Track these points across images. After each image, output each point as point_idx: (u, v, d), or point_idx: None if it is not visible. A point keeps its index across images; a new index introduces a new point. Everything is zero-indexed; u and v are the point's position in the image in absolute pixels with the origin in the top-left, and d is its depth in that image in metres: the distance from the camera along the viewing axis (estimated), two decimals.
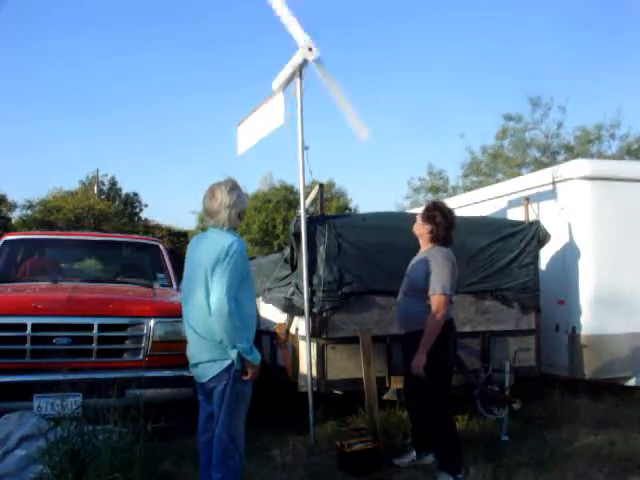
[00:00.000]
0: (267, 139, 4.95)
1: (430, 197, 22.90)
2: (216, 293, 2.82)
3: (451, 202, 7.94)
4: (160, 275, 5.83)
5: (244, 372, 2.93)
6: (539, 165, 19.84)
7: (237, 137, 5.38)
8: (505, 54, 42.30)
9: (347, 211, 24.38)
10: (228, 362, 2.90)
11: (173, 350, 4.19)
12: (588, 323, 5.49)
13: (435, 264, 3.79)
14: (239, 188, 3.09)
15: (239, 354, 2.87)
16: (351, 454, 3.97)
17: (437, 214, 3.91)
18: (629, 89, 34.90)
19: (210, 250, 2.91)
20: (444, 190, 23.07)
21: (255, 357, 2.93)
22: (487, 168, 22.47)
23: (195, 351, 3.04)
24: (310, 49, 4.43)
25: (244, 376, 2.93)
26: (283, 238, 21.06)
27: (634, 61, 34.95)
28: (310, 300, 4.59)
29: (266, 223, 23.56)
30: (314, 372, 4.60)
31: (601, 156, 20.24)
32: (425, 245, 3.98)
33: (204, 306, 2.89)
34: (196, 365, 3.05)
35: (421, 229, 3.98)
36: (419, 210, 4.25)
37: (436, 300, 3.74)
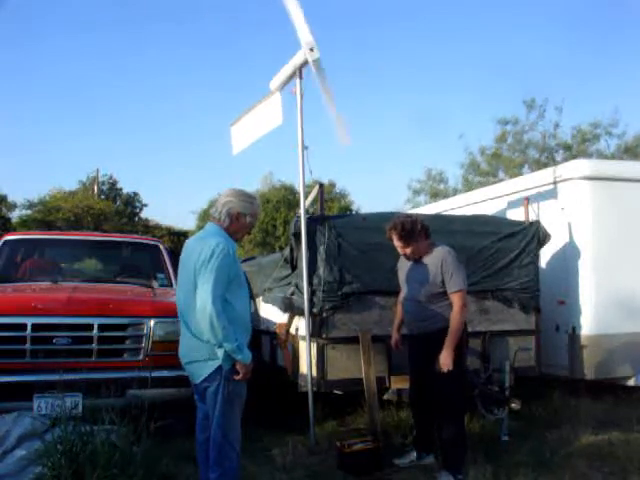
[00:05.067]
0: (266, 140, 4.97)
1: (430, 200, 22.82)
2: (201, 293, 2.86)
3: (451, 202, 7.97)
4: (160, 275, 5.83)
5: (235, 372, 2.94)
6: (538, 165, 19.82)
7: (231, 137, 5.39)
8: (503, 55, 42.35)
9: (349, 212, 24.30)
10: (219, 362, 2.92)
11: (173, 350, 4.13)
12: (588, 323, 5.49)
13: (447, 264, 3.83)
14: (242, 195, 3.16)
15: (227, 354, 2.88)
16: (351, 454, 3.96)
17: (407, 232, 3.87)
18: (626, 89, 34.92)
19: (198, 250, 2.96)
20: (444, 193, 22.98)
21: (245, 357, 2.93)
22: (488, 167, 22.41)
23: (187, 350, 3.07)
24: (312, 49, 4.43)
25: (235, 376, 2.94)
26: (284, 240, 21.03)
27: (631, 60, 34.96)
28: (310, 300, 4.58)
29: (266, 223, 23.53)
30: (314, 372, 4.59)
31: (600, 155, 20.24)
32: (422, 251, 3.97)
33: (195, 305, 2.92)
34: (188, 364, 3.07)
35: (411, 249, 3.94)
36: (418, 210, 4.25)
37: (459, 296, 3.81)
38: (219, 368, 2.93)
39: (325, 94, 4.54)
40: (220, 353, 2.89)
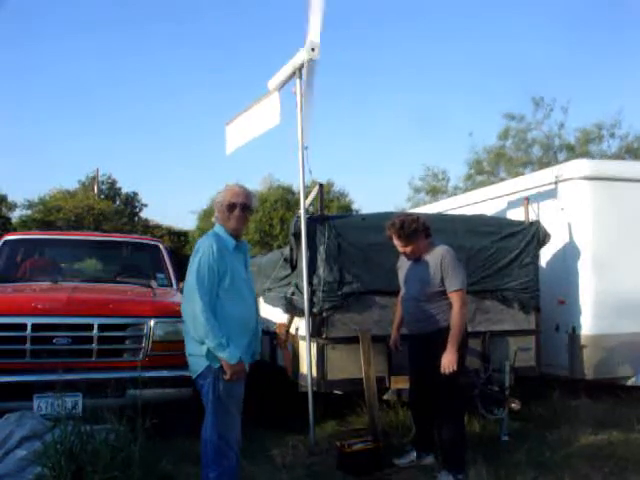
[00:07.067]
0: (264, 140, 4.97)
1: (430, 198, 22.83)
2: (185, 287, 2.98)
3: (452, 202, 7.97)
4: (160, 275, 5.83)
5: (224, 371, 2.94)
6: (541, 165, 19.82)
7: (225, 137, 5.38)
8: (508, 55, 42.33)
9: (349, 212, 24.25)
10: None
11: (173, 350, 4.18)
12: (588, 323, 5.49)
13: (447, 263, 3.83)
14: (227, 188, 3.20)
15: (210, 351, 2.90)
16: (351, 454, 3.96)
17: (407, 230, 3.86)
18: (628, 89, 34.94)
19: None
20: (444, 192, 23.01)
21: (230, 356, 2.91)
22: (490, 167, 22.42)
23: (190, 343, 3.09)
24: (313, 49, 4.42)
25: (223, 375, 2.94)
26: (282, 239, 20.97)
27: (632, 61, 34.96)
28: (310, 300, 4.58)
29: (263, 222, 23.45)
30: (314, 372, 4.59)
31: (602, 156, 20.23)
32: (422, 251, 3.97)
33: None
34: (188, 356, 3.10)
35: (410, 248, 3.93)
36: (418, 210, 4.24)
37: (459, 296, 3.80)
38: (210, 366, 2.95)
39: (306, 95, 4.58)
40: (203, 350, 2.91)
